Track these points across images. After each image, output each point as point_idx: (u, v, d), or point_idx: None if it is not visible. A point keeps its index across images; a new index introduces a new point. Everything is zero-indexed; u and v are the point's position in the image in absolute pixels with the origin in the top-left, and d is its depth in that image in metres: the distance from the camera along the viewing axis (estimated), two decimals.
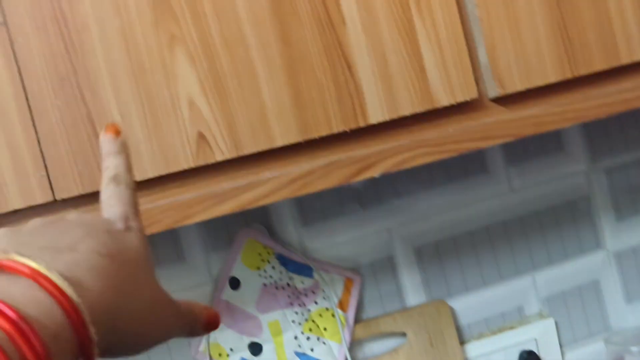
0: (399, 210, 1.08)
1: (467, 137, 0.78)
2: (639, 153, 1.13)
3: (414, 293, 1.08)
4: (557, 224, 1.11)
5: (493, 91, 0.77)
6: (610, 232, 1.12)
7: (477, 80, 0.77)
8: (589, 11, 0.77)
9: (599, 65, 0.77)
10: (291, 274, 1.03)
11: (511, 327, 1.08)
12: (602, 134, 1.12)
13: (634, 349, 1.01)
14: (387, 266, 1.07)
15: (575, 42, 0.77)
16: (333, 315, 1.02)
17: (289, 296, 1.02)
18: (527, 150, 1.10)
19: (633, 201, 1.13)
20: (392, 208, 1.08)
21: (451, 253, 1.09)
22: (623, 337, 1.06)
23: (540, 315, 1.09)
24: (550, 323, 1.08)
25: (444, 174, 1.08)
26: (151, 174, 0.70)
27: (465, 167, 1.09)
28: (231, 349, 1.00)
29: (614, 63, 0.77)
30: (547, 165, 1.11)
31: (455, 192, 1.09)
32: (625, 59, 0.77)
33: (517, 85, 0.77)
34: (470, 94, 0.75)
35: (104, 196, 0.43)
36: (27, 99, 0.69)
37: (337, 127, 0.73)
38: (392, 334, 1.06)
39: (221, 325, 0.84)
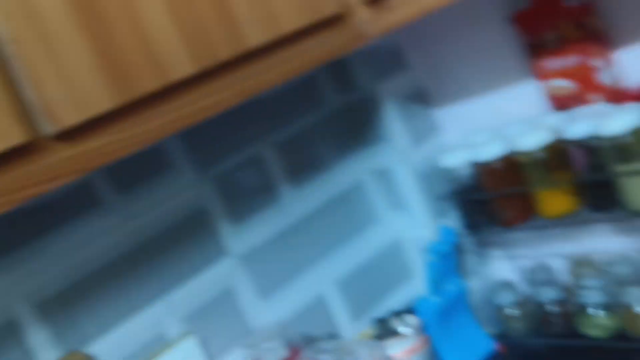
0: (10, 268, 0.98)
1: (30, 182, 0.72)
2: (240, 156, 1.20)
3: (45, 351, 0.99)
4: (179, 241, 1.12)
5: (48, 128, 0.73)
6: (230, 237, 1.17)
7: (27, 120, 0.72)
8: (130, 35, 0.77)
9: (150, 85, 0.78)
10: None
11: (155, 356, 1.06)
12: (203, 143, 1.16)
13: (266, 345, 1.06)
14: (9, 331, 0.97)
15: (123, 67, 0.77)
16: None
17: None
18: (134, 174, 1.08)
19: (245, 202, 1.20)
20: (0, 268, 0.97)
21: (79, 298, 1.02)
22: (257, 337, 1.11)
23: (183, 336, 1.09)
24: (192, 342, 1.09)
25: (50, 217, 1.01)
26: None
27: (72, 205, 1.03)
28: None
29: (164, 81, 0.78)
30: (158, 185, 1.11)
31: (68, 235, 1.02)
32: (174, 76, 0.79)
33: (73, 118, 0.74)
34: (16, 137, 0.70)
35: None
36: None
37: None
38: None
39: None
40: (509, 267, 1.38)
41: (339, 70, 1.33)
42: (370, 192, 1.37)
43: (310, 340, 1.14)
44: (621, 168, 0.97)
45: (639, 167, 0.95)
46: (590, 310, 1.13)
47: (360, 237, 1.34)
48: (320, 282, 1.27)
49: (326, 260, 1.29)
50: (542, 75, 1.12)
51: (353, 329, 1.30)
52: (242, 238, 1.18)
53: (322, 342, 1.06)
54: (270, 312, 1.21)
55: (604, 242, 1.22)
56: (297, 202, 1.27)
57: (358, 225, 1.34)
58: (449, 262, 1.26)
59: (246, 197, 1.20)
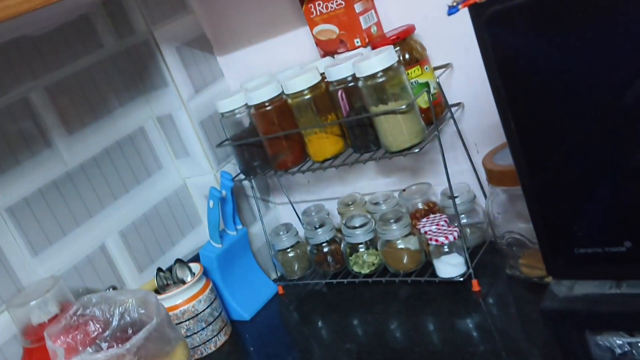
0: None
1: None
2: (7, 99, 1.11)
3: None
4: None
5: None
6: None
7: None
8: None
9: None
10: None
11: None
12: None
13: (35, 303, 1.00)
14: None
15: None
16: None
17: None
18: None
19: (13, 149, 1.11)
20: None
21: None
22: (25, 296, 1.04)
23: None
24: None
25: None
26: None
27: None
28: None
29: None
30: None
31: None
32: None
33: None
34: None
35: None
36: None
37: None
38: None
39: None
40: (286, 211, 1.42)
41: (116, 12, 1.27)
42: (153, 139, 1.33)
43: (84, 295, 1.09)
44: (377, 109, 1.02)
45: (393, 107, 1.01)
46: (358, 249, 1.20)
47: (143, 185, 1.30)
48: (102, 232, 1.22)
49: (108, 210, 1.24)
50: (311, 21, 1.14)
51: (140, 280, 1.27)
52: (8, 189, 1.10)
53: (92, 295, 1.02)
54: (45, 267, 1.14)
55: (369, 182, 1.29)
56: (74, 149, 1.20)
57: (141, 173, 1.30)
58: (228, 207, 1.27)
59: (15, 143, 1.12)
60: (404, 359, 0.98)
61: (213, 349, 1.21)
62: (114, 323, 0.98)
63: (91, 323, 0.98)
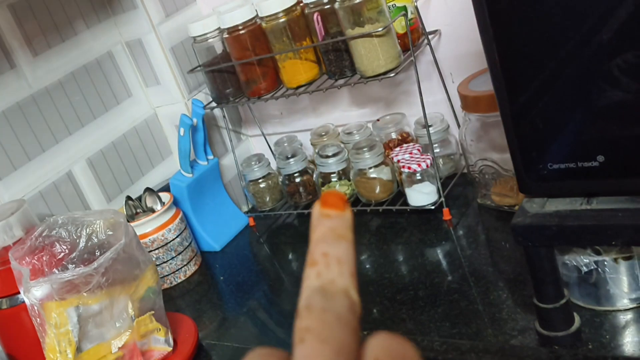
0: None
1: None
2: None
3: None
4: None
5: None
6: None
7: None
8: None
9: None
10: None
11: None
12: None
13: None
14: None
15: None
16: None
17: None
18: None
19: None
20: None
21: None
22: None
23: None
24: None
25: None
26: None
27: None
28: None
29: None
30: None
31: None
32: None
33: None
34: None
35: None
36: None
37: None
38: None
39: None
40: (259, 143, 1.40)
41: None
42: (122, 65, 1.29)
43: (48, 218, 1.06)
44: (353, 31, 1.00)
45: (369, 29, 0.98)
46: (331, 179, 1.19)
47: (112, 113, 1.27)
48: (69, 159, 1.19)
49: (75, 136, 1.21)
50: None
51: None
52: None
53: (58, 216, 0.99)
54: (9, 192, 1.11)
55: (343, 113, 1.27)
56: (39, 72, 1.16)
57: (110, 101, 1.27)
58: (199, 137, 1.24)
59: None
60: (373, 286, 0.98)
61: (182, 278, 1.21)
62: (81, 245, 0.96)
63: (57, 244, 0.96)
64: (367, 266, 1.04)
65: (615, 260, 0.73)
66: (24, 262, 0.94)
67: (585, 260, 0.74)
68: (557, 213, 0.69)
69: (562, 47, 0.63)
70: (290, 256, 1.17)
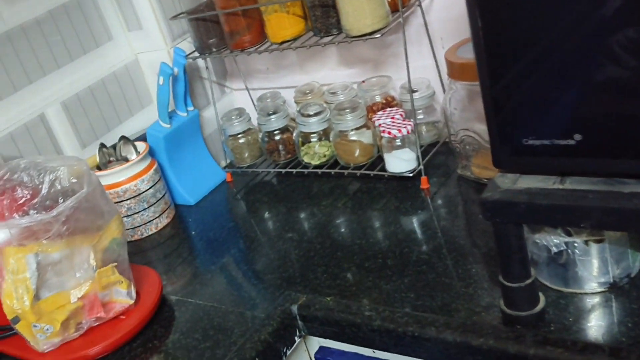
0: None
1: None
2: None
3: None
4: None
5: None
6: None
7: None
8: None
9: None
10: None
11: None
12: None
13: None
14: None
15: None
16: None
17: None
18: None
19: None
20: None
21: None
22: None
23: None
24: None
25: None
26: None
27: None
28: None
29: None
30: None
31: None
32: None
33: None
34: None
35: None
36: None
37: None
38: None
39: None
40: (242, 98, 1.36)
41: None
42: (103, 7, 1.24)
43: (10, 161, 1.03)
44: None
45: None
46: (311, 139, 1.16)
47: (90, 56, 1.23)
48: (42, 101, 1.16)
49: (50, 77, 1.17)
50: None
51: (82, 156, 1.21)
52: None
53: (20, 160, 0.96)
54: None
55: (330, 72, 1.23)
56: (15, 7, 1.11)
57: (89, 43, 1.23)
58: (180, 87, 1.20)
59: None
60: (342, 252, 0.96)
61: (154, 230, 1.18)
62: (44, 191, 0.93)
63: (19, 189, 0.93)
64: (341, 230, 1.02)
65: (586, 242, 0.71)
66: None
67: (555, 240, 0.72)
68: (527, 190, 0.66)
69: (548, 22, 0.59)
70: (266, 214, 1.14)
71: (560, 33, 0.59)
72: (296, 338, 0.88)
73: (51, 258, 0.90)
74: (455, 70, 0.92)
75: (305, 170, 1.18)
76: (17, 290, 0.89)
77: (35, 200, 0.93)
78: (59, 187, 0.93)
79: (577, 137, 0.62)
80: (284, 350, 0.86)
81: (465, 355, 0.74)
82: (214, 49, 1.16)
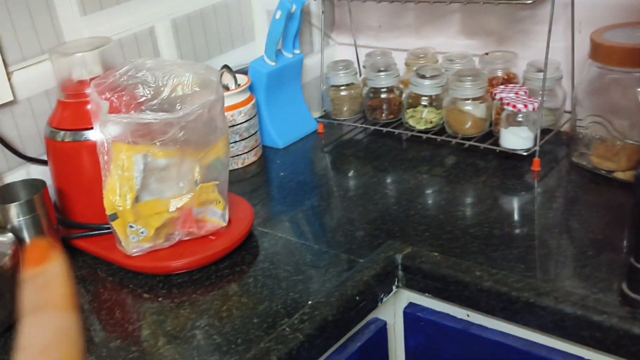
0: None
1: None
2: None
3: None
4: None
5: None
6: None
7: None
8: None
9: None
10: None
11: None
12: None
13: (79, 55, 0.92)
14: None
15: None
16: None
17: None
18: None
19: None
20: None
21: None
22: (69, 46, 0.97)
23: None
24: None
25: None
26: None
27: None
28: None
29: None
30: None
31: None
32: None
33: None
34: None
35: None
36: None
37: None
38: None
39: None
40: (344, 51, 1.34)
41: None
42: None
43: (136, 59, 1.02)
44: None
45: None
46: (420, 102, 1.14)
47: None
48: (155, 13, 1.14)
49: None
50: None
51: None
52: None
53: (147, 59, 0.94)
54: (91, 31, 1.06)
55: (447, 40, 1.21)
56: None
57: None
58: (293, 27, 1.19)
59: None
60: (446, 214, 0.94)
61: (240, 165, 1.17)
62: (165, 93, 0.91)
63: (141, 87, 0.91)
64: (441, 196, 1.00)
65: None
66: (102, 96, 0.90)
67: None
68: None
69: None
70: (350, 172, 1.12)
71: None
72: (394, 287, 0.86)
73: (158, 163, 0.89)
74: (601, 53, 0.89)
75: (409, 133, 1.16)
76: (121, 187, 0.87)
77: (154, 102, 0.91)
78: (180, 92, 0.92)
79: None
80: (381, 296, 0.84)
81: (582, 330, 0.72)
82: None
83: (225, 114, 1.12)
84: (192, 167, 0.91)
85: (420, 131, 1.14)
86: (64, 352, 0.28)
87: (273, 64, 1.19)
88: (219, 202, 0.94)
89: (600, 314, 0.71)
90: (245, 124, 1.15)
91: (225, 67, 1.18)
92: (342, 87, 1.22)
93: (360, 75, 1.27)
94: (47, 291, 0.29)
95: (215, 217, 0.94)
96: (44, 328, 0.29)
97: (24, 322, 0.29)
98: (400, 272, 0.86)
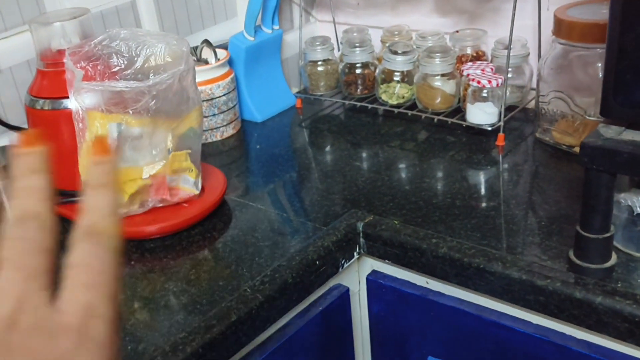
0: None
1: None
2: None
3: None
4: None
5: None
6: None
7: None
8: None
9: None
10: None
11: None
12: None
13: (58, 26, 0.95)
14: None
15: None
16: None
17: None
18: None
19: None
20: None
21: None
22: (49, 17, 0.99)
23: None
24: None
25: None
26: None
27: None
28: None
29: None
30: None
31: None
32: None
33: None
34: None
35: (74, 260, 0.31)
36: None
37: None
38: None
39: None
40: (323, 28, 1.36)
41: None
42: None
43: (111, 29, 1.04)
44: None
45: None
46: (393, 78, 1.16)
47: None
48: None
49: None
50: None
51: None
52: None
53: (121, 29, 0.97)
54: (70, 2, 1.09)
55: (421, 18, 1.23)
56: None
57: None
58: (271, 3, 1.21)
59: None
60: (411, 185, 0.97)
61: (218, 138, 1.20)
62: (138, 63, 0.94)
63: (115, 57, 0.94)
64: (401, 175, 1.03)
65: None
66: (78, 65, 0.93)
67: None
68: (632, 142, 0.67)
69: None
70: (325, 146, 1.15)
71: None
72: (355, 254, 0.89)
73: (132, 132, 0.92)
74: (564, 29, 0.92)
75: (382, 107, 1.19)
76: None
77: (128, 72, 0.94)
78: (153, 63, 0.94)
79: None
80: (342, 262, 0.88)
81: (528, 294, 0.75)
82: None
83: (204, 87, 1.16)
84: (165, 136, 0.94)
85: (392, 106, 1.16)
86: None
87: (252, 39, 1.22)
88: (192, 170, 0.97)
89: (545, 278, 0.74)
90: (223, 98, 1.18)
91: (206, 41, 1.21)
92: (319, 63, 1.25)
93: (338, 51, 1.30)
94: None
95: (188, 185, 0.97)
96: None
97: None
98: (361, 240, 0.89)
